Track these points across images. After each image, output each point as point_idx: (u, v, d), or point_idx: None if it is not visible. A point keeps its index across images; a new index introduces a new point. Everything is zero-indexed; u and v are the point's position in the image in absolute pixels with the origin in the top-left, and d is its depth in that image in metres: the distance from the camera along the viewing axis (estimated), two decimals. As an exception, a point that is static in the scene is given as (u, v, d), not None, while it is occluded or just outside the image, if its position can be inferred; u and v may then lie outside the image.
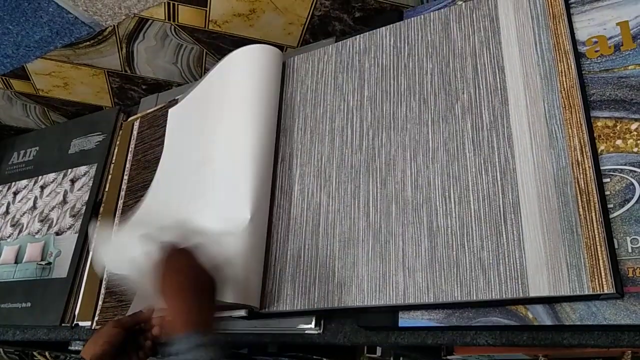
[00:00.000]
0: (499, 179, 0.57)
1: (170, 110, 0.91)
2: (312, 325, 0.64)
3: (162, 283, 0.57)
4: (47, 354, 1.21)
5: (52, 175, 1.06)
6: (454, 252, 0.56)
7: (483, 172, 0.58)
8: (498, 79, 0.61)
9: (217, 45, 0.95)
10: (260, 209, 0.70)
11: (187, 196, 0.78)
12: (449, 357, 0.70)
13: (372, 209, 0.64)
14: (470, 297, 0.53)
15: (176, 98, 0.92)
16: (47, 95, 1.15)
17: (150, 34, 0.94)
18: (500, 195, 0.56)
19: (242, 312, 0.65)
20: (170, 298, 0.56)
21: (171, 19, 0.90)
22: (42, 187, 1.06)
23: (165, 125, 0.90)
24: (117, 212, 0.90)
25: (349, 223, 0.65)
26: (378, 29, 0.74)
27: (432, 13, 0.70)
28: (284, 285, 0.66)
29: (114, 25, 0.92)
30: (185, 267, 0.57)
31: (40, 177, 1.08)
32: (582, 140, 0.54)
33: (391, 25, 0.73)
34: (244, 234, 0.67)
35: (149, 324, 0.68)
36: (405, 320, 0.58)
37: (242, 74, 0.78)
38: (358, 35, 0.76)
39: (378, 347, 0.78)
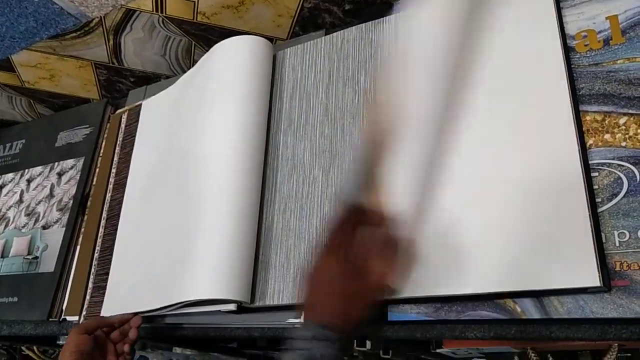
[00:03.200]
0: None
1: (144, 103, 0.91)
2: (302, 320, 0.64)
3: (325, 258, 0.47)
4: (35, 348, 1.20)
5: (38, 169, 1.05)
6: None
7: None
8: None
9: (205, 37, 0.94)
10: (249, 203, 0.69)
11: (169, 187, 0.78)
12: (437, 351, 0.70)
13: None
14: (458, 291, 0.53)
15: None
16: (33, 88, 1.14)
17: (138, 25, 0.93)
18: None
19: (232, 307, 0.65)
20: (324, 282, 0.47)
21: (159, 10, 0.89)
22: (29, 181, 1.05)
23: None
24: (104, 206, 0.89)
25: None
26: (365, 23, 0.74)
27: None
28: (273, 280, 0.66)
29: (100, 17, 0.91)
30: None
31: (26, 170, 1.07)
32: (570, 134, 0.54)
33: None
34: (234, 227, 0.66)
35: (125, 329, 0.68)
36: (394, 314, 0.58)
37: (232, 65, 0.78)
38: (348, 28, 0.75)
39: (367, 341, 0.78)
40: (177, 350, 1.02)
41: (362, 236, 0.46)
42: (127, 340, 0.69)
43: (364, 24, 0.74)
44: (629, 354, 0.70)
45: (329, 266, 0.46)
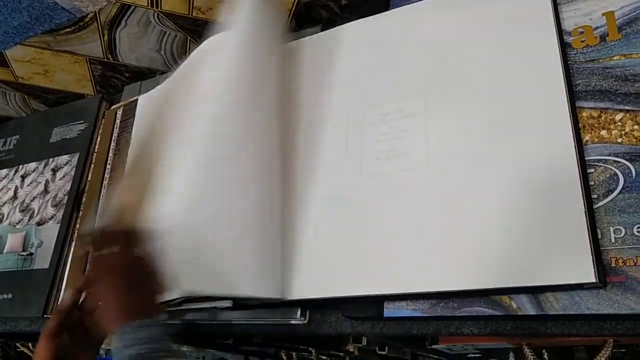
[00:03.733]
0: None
1: (140, 98, 0.90)
2: (298, 316, 0.64)
3: (94, 276, 0.58)
4: (30, 345, 1.19)
5: (33, 165, 1.04)
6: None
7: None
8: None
9: (201, 32, 0.94)
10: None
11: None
12: (433, 347, 0.70)
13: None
14: (454, 287, 0.53)
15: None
16: (27, 83, 1.13)
17: (133, 20, 0.92)
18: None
19: (228, 303, 0.65)
20: (104, 294, 0.56)
21: (154, 5, 0.88)
22: (23, 177, 1.04)
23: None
24: (99, 202, 0.88)
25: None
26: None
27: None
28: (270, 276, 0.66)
29: (95, 12, 0.90)
30: (116, 257, 0.56)
31: (20, 166, 1.06)
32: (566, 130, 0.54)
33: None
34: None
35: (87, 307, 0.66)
36: (391, 310, 0.58)
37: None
38: (345, 24, 0.75)
39: (364, 337, 0.78)
40: (173, 346, 1.02)
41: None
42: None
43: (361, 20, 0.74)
44: (623, 350, 0.71)
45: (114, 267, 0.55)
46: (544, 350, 0.69)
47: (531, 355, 0.66)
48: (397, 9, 0.71)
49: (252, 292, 0.63)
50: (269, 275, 0.63)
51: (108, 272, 0.56)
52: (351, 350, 0.82)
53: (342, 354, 0.87)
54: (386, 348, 0.76)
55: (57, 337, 0.60)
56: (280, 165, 0.70)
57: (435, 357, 0.82)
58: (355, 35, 0.74)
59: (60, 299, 0.84)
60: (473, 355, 0.82)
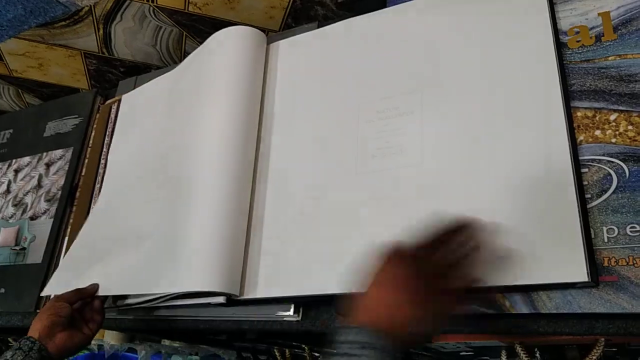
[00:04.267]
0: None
1: (124, 96, 0.90)
2: (291, 313, 0.64)
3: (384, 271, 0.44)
4: (22, 340, 1.19)
5: (26, 159, 1.04)
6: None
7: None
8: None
9: (197, 28, 0.93)
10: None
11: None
12: (426, 344, 0.71)
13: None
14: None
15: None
16: (21, 76, 1.12)
17: (128, 14, 0.92)
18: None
19: (221, 299, 0.65)
20: (385, 286, 0.43)
21: (150, -1, 0.88)
22: (16, 171, 1.04)
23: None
24: (93, 197, 0.88)
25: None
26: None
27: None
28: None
29: (90, 5, 0.90)
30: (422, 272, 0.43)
31: (14, 160, 1.06)
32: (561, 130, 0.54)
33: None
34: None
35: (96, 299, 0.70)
36: (384, 307, 0.57)
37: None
38: (341, 21, 0.75)
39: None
40: (166, 342, 1.02)
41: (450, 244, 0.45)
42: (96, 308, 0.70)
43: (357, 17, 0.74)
44: (614, 349, 0.71)
45: (404, 269, 0.43)
46: (536, 349, 0.69)
47: (523, 353, 0.67)
48: (394, 6, 0.71)
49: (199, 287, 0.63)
50: (223, 271, 0.64)
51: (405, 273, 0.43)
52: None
53: (335, 350, 0.87)
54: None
55: (60, 300, 0.65)
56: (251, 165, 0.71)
57: (428, 354, 0.82)
58: (351, 32, 0.74)
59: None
60: (465, 353, 0.82)
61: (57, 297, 0.68)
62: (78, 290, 0.70)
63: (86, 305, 0.70)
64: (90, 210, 0.86)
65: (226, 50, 0.77)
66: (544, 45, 0.58)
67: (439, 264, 0.44)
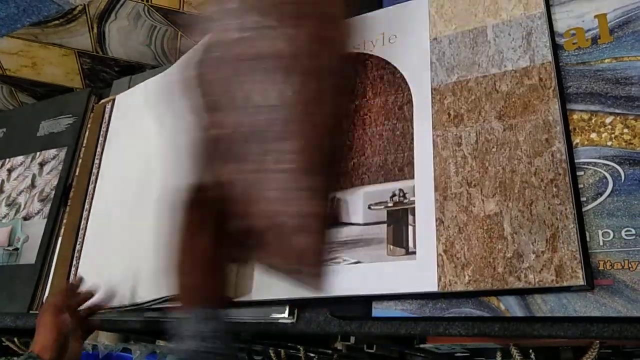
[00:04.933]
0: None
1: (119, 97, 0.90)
2: (286, 315, 0.63)
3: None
4: (15, 340, 1.18)
5: (20, 158, 1.03)
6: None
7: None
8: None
9: (192, 27, 0.93)
10: None
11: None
12: (421, 346, 0.71)
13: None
14: (441, 289, 0.53)
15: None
16: (15, 75, 1.11)
17: (123, 13, 0.91)
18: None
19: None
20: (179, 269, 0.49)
21: (144, -2, 0.88)
22: (10, 171, 1.03)
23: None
24: (87, 197, 0.87)
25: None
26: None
27: None
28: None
29: (84, 4, 0.89)
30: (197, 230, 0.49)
31: (7, 160, 1.05)
32: (557, 133, 0.54)
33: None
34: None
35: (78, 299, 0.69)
36: (379, 310, 0.57)
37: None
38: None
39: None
40: (161, 343, 1.01)
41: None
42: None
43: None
44: (609, 350, 0.71)
45: (192, 244, 0.48)
46: (530, 350, 0.69)
47: (518, 355, 0.67)
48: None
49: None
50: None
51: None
52: (339, 348, 0.82)
53: (330, 351, 0.87)
54: (374, 346, 0.76)
55: (61, 312, 0.65)
56: None
57: (423, 355, 0.82)
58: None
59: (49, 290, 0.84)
60: (461, 355, 0.82)
61: (52, 308, 0.66)
62: (62, 293, 0.70)
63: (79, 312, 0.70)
64: (87, 216, 0.86)
65: None
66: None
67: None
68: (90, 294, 0.71)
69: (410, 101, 0.63)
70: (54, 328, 0.64)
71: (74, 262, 0.83)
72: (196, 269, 0.48)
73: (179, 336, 0.46)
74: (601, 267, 0.49)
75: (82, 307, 0.69)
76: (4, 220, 0.97)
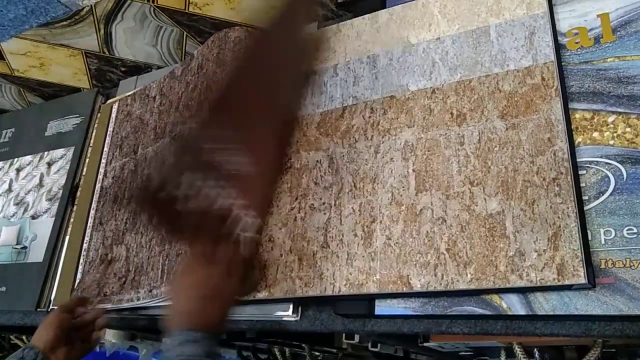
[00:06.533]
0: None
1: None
2: (290, 313, 0.64)
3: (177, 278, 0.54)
4: (24, 337, 1.19)
5: (28, 158, 1.04)
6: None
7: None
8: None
9: (197, 28, 0.94)
10: None
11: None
12: (425, 344, 0.71)
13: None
14: (445, 287, 0.54)
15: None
16: (23, 76, 1.12)
17: (129, 14, 0.92)
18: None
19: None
20: (178, 295, 0.52)
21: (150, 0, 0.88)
22: (18, 170, 1.04)
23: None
24: (94, 196, 0.88)
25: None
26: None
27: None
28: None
29: (91, 5, 0.90)
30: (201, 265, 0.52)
31: (15, 159, 1.06)
32: (559, 132, 0.54)
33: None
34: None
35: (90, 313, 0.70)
36: (382, 308, 0.58)
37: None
38: (340, 22, 0.75)
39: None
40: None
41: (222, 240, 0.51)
42: (98, 325, 0.71)
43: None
44: (613, 349, 0.71)
45: (193, 271, 0.51)
46: (535, 349, 0.69)
47: (522, 354, 0.67)
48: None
49: None
50: None
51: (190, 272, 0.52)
52: (344, 347, 0.82)
53: (334, 350, 0.87)
54: (378, 345, 0.76)
55: (65, 311, 0.67)
56: None
57: (427, 354, 0.83)
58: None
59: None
60: (465, 353, 0.82)
61: (61, 307, 0.69)
62: (75, 298, 0.71)
63: (88, 319, 0.71)
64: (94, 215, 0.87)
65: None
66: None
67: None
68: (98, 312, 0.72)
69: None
70: (56, 325, 0.65)
71: (81, 261, 0.84)
72: (190, 295, 0.51)
73: (165, 347, 0.49)
74: (603, 266, 0.49)
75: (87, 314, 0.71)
76: (12, 219, 0.98)
